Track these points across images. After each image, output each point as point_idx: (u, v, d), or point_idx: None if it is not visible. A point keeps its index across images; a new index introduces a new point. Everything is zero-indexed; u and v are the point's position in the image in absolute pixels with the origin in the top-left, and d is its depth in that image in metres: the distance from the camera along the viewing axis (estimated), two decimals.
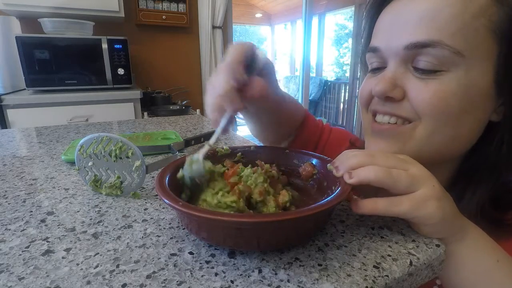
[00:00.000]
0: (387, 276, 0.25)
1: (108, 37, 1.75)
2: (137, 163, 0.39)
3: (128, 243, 0.29)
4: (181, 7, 2.35)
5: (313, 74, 5.16)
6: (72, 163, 0.52)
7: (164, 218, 0.34)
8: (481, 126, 0.39)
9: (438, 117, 0.37)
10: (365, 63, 0.47)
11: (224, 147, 0.42)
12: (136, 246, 0.28)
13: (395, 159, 0.31)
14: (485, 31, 0.35)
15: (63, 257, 0.27)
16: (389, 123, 0.41)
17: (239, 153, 0.42)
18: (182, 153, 0.57)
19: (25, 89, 1.71)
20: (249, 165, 0.35)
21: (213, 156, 0.41)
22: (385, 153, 0.32)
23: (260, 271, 0.25)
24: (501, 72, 0.36)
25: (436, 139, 0.38)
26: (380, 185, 0.29)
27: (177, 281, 0.24)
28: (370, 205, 0.30)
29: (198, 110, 2.18)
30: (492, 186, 0.39)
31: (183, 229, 0.31)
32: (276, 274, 0.25)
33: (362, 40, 0.49)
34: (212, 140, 0.34)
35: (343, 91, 4.52)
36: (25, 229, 0.32)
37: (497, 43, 0.35)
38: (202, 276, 0.25)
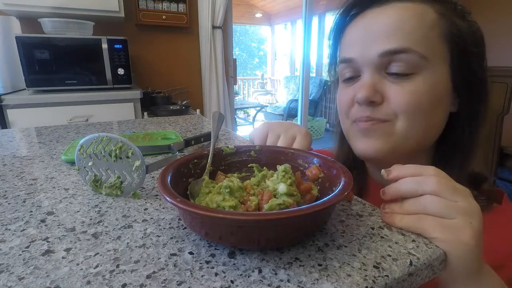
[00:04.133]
0: (387, 276, 0.25)
1: (108, 37, 1.75)
2: (137, 163, 0.39)
3: (128, 243, 0.29)
4: (181, 7, 2.35)
5: (313, 74, 5.16)
6: (72, 163, 0.52)
7: (164, 218, 0.34)
8: (446, 117, 0.46)
9: (414, 113, 0.43)
10: (334, 75, 0.54)
11: (229, 146, 0.42)
12: (136, 246, 0.28)
13: (445, 190, 0.31)
14: (439, 40, 0.42)
15: (63, 257, 0.27)
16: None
17: (252, 152, 0.43)
18: (182, 153, 0.57)
19: (25, 89, 1.71)
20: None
21: (218, 155, 0.41)
22: (435, 181, 0.31)
23: (260, 271, 0.25)
24: (454, 72, 0.44)
25: (414, 131, 0.44)
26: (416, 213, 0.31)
27: (177, 281, 0.24)
28: (395, 221, 0.32)
29: (198, 110, 2.18)
30: (463, 169, 0.46)
31: (184, 229, 0.31)
32: (276, 274, 0.25)
33: (330, 54, 0.55)
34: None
35: None
36: (25, 229, 0.32)
37: (449, 49, 0.43)
38: (202, 276, 0.25)
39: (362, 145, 0.47)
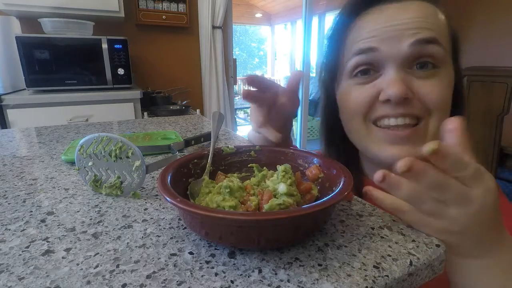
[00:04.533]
0: (387, 276, 0.25)
1: (108, 37, 1.75)
2: (137, 163, 0.39)
3: (128, 243, 0.29)
4: (181, 7, 2.35)
5: (313, 74, 5.15)
6: (72, 163, 0.52)
7: (164, 218, 0.34)
8: None
9: (443, 108, 0.43)
10: (331, 76, 0.51)
11: (229, 146, 0.42)
12: (136, 246, 0.28)
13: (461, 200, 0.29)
14: (448, 40, 0.44)
15: (63, 257, 0.27)
16: (403, 124, 0.43)
17: (252, 152, 0.42)
18: (182, 153, 0.57)
19: (25, 89, 1.71)
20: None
21: (218, 155, 0.41)
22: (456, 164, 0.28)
23: (260, 271, 0.25)
24: (456, 71, 0.46)
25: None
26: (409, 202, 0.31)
27: (177, 281, 0.24)
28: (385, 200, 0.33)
29: (198, 110, 2.18)
30: None
31: (184, 229, 0.31)
32: (276, 274, 0.25)
33: (328, 52, 0.51)
34: None
35: None
36: (25, 229, 0.32)
37: (453, 50, 0.45)
38: (202, 276, 0.25)
39: (391, 152, 0.44)
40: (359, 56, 0.44)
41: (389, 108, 0.43)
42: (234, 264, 0.26)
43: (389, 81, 0.42)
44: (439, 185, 0.28)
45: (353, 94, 0.46)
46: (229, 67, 2.77)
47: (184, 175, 0.37)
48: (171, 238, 0.30)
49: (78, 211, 0.35)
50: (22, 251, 0.28)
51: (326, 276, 0.24)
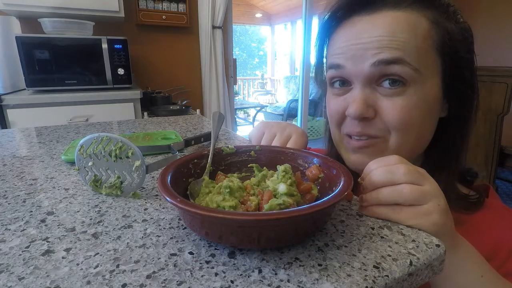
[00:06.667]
0: (387, 276, 0.25)
1: (108, 37, 1.75)
2: (137, 163, 0.39)
3: (128, 243, 0.29)
4: (181, 7, 2.36)
5: (313, 74, 5.15)
6: (72, 163, 0.52)
7: (164, 218, 0.34)
8: (435, 124, 0.46)
9: (405, 128, 0.43)
10: (321, 80, 0.53)
11: (229, 146, 0.42)
12: (136, 246, 0.28)
13: (414, 175, 0.33)
14: (431, 51, 0.41)
15: (63, 257, 0.27)
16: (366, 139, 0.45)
17: (252, 152, 0.43)
18: (182, 153, 0.57)
19: (25, 89, 1.71)
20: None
21: (218, 155, 0.41)
22: (404, 168, 0.33)
23: (260, 271, 0.25)
24: (446, 82, 0.43)
25: (406, 145, 0.44)
26: (393, 202, 0.33)
27: (177, 281, 0.24)
28: (372, 210, 0.34)
29: (198, 110, 2.18)
30: (454, 171, 0.47)
31: (184, 229, 0.31)
32: (276, 274, 0.25)
33: (316, 59, 0.54)
34: None
35: None
36: (25, 229, 0.32)
37: (441, 61, 0.42)
38: (202, 276, 0.25)
39: (354, 160, 0.47)
40: (331, 71, 0.47)
41: (352, 125, 0.45)
42: (234, 264, 0.26)
43: (352, 98, 0.44)
44: (393, 196, 0.32)
45: (331, 104, 0.49)
46: (229, 67, 2.77)
47: (184, 175, 0.37)
48: (171, 238, 0.30)
49: (78, 211, 0.35)
50: (22, 251, 0.28)
51: (326, 276, 0.24)
